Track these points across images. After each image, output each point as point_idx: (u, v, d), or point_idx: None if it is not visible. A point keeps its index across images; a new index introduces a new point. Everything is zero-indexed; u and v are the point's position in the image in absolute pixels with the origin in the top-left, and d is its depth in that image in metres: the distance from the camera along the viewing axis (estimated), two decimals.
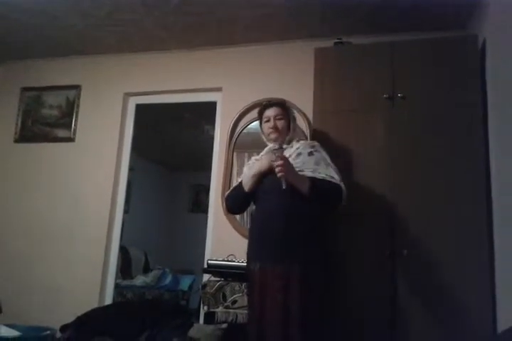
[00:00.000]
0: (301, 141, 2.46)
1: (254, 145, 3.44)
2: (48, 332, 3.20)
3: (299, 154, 2.31)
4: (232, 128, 3.52)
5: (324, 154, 2.36)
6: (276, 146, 2.18)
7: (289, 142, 2.43)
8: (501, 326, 2.28)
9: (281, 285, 2.11)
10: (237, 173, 3.48)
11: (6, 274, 3.71)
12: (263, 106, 2.53)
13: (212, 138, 3.71)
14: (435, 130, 2.63)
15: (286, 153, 2.30)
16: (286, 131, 2.43)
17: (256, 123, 3.45)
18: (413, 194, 2.58)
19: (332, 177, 2.25)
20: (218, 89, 3.69)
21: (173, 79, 3.79)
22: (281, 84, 3.45)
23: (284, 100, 2.53)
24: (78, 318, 2.73)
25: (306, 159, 2.29)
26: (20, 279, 3.70)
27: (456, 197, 2.51)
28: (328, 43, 3.09)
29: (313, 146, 2.38)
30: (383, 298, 2.49)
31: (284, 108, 2.48)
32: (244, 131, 3.52)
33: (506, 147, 2.37)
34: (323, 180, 2.23)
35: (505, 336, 2.03)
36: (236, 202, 2.49)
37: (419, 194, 2.57)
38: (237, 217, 3.40)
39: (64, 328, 2.71)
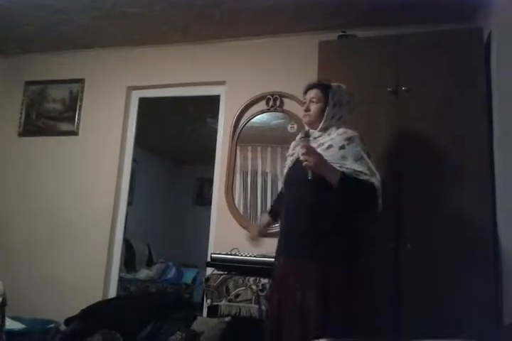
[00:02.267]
0: (340, 130, 2.19)
1: (258, 138, 3.47)
2: (53, 324, 3.23)
3: (329, 146, 2.12)
4: (235, 122, 3.52)
5: (358, 147, 2.11)
6: (302, 135, 2.09)
7: (326, 129, 2.22)
8: (506, 319, 2.28)
9: (300, 284, 2.02)
10: (241, 166, 3.48)
11: (11, 267, 3.73)
12: (305, 86, 2.33)
13: (215, 131, 3.71)
14: (439, 123, 2.61)
15: (320, 142, 2.17)
16: (320, 116, 2.22)
17: (259, 116, 3.50)
18: (417, 188, 2.57)
19: (360, 172, 2.04)
20: (222, 83, 3.68)
21: (177, 72, 3.78)
22: (285, 77, 3.44)
23: (329, 83, 2.25)
24: (82, 311, 2.74)
25: (334, 152, 2.10)
26: (24, 272, 3.73)
27: (461, 191, 2.50)
28: (333, 36, 3.07)
29: (348, 138, 2.12)
30: (386, 291, 2.49)
31: (325, 91, 2.23)
32: (248, 124, 3.51)
33: (510, 140, 2.36)
34: (356, 179, 2.04)
35: (510, 328, 2.03)
36: None
37: (423, 187, 2.56)
38: (241, 210, 3.40)
39: (68, 321, 2.72)
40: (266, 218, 2.57)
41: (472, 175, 2.50)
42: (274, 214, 2.51)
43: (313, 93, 2.25)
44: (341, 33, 3.06)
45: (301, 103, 2.39)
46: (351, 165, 2.06)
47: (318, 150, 2.08)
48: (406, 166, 2.61)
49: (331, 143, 2.13)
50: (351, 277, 2.07)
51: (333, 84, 2.27)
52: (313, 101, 2.24)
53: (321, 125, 2.22)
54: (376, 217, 2.55)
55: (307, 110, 2.25)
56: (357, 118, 2.70)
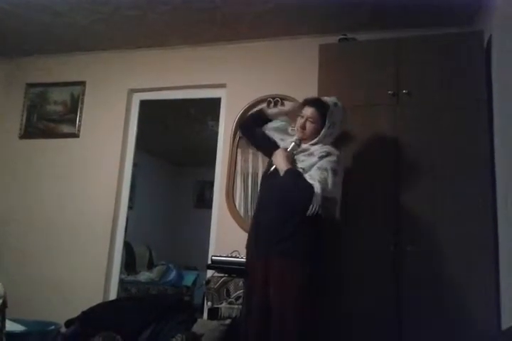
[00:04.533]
0: (325, 146, 2.33)
1: None
2: (53, 326, 3.23)
3: (311, 154, 2.30)
4: (236, 124, 3.52)
5: (329, 163, 2.24)
6: (296, 142, 2.33)
7: (315, 144, 2.35)
8: (505, 323, 2.28)
9: (262, 280, 2.17)
10: (241, 169, 3.48)
11: (11, 269, 3.73)
12: (306, 101, 2.42)
13: (216, 134, 3.72)
14: (439, 126, 2.62)
15: (305, 149, 2.35)
16: (315, 135, 2.35)
17: None
18: (418, 190, 2.57)
19: (313, 179, 2.18)
20: (222, 86, 3.69)
21: (178, 75, 3.79)
22: (286, 80, 3.44)
23: (328, 104, 2.34)
24: (83, 313, 2.74)
25: (310, 160, 2.28)
26: (25, 274, 3.73)
27: (461, 194, 2.51)
28: (333, 39, 3.07)
29: (328, 153, 2.28)
30: (387, 293, 2.49)
31: (323, 111, 2.33)
32: None
33: (510, 143, 2.36)
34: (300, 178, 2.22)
35: (509, 333, 2.03)
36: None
37: (423, 190, 2.57)
38: (242, 213, 3.40)
39: (69, 323, 2.72)
40: None
41: (472, 176, 2.51)
42: None
43: (310, 112, 2.36)
44: (342, 36, 3.06)
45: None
46: (312, 172, 2.23)
47: (301, 155, 2.33)
48: (406, 168, 2.62)
49: (312, 152, 2.31)
50: (314, 277, 2.20)
51: (331, 102, 2.37)
52: (309, 121, 2.36)
53: (313, 141, 2.36)
54: (376, 220, 2.58)
55: (303, 128, 2.37)
56: (357, 121, 2.73)
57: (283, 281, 2.13)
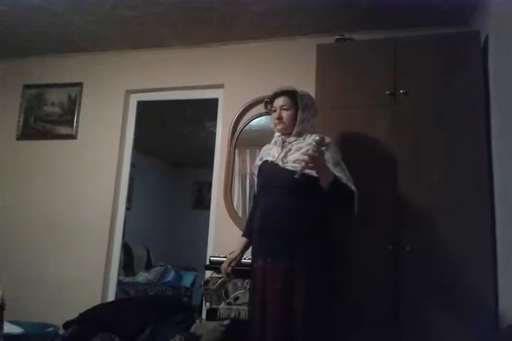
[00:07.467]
0: (314, 135, 2.25)
1: (256, 141, 3.45)
2: (51, 328, 3.23)
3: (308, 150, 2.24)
4: (234, 125, 3.52)
5: (334, 152, 2.28)
6: (317, 138, 2.05)
7: (300, 134, 2.35)
8: (503, 322, 2.28)
9: (283, 284, 2.12)
10: (239, 170, 3.48)
11: (9, 271, 3.72)
12: (272, 94, 2.46)
13: (214, 134, 3.71)
14: (437, 126, 2.62)
15: (298, 146, 2.30)
16: (293, 122, 2.35)
17: (258, 119, 3.51)
18: (416, 190, 2.57)
19: (340, 178, 2.18)
20: (220, 86, 3.68)
21: (175, 76, 3.79)
22: (284, 80, 3.39)
23: (294, 89, 2.40)
24: (81, 315, 2.73)
25: None
26: (23, 277, 3.72)
27: (459, 193, 2.51)
28: (331, 40, 3.06)
29: (325, 144, 2.20)
30: (386, 292, 2.49)
31: (294, 97, 2.37)
32: (246, 127, 3.52)
33: (508, 143, 2.37)
34: (341, 183, 2.17)
35: (507, 331, 2.04)
36: None
37: (422, 190, 2.57)
38: (240, 213, 3.40)
39: (67, 325, 2.71)
40: (243, 241, 2.51)
41: (471, 176, 2.50)
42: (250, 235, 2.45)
43: (281, 101, 2.38)
44: (339, 37, 3.07)
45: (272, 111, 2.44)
46: (332, 170, 2.18)
47: (297, 154, 2.25)
48: (404, 168, 2.61)
49: (309, 148, 2.16)
50: (332, 278, 2.23)
51: (297, 89, 2.40)
52: (284, 109, 2.37)
53: (295, 130, 2.35)
54: (375, 219, 2.58)
55: (280, 118, 2.36)
56: (355, 121, 2.73)
57: (310, 286, 2.12)
